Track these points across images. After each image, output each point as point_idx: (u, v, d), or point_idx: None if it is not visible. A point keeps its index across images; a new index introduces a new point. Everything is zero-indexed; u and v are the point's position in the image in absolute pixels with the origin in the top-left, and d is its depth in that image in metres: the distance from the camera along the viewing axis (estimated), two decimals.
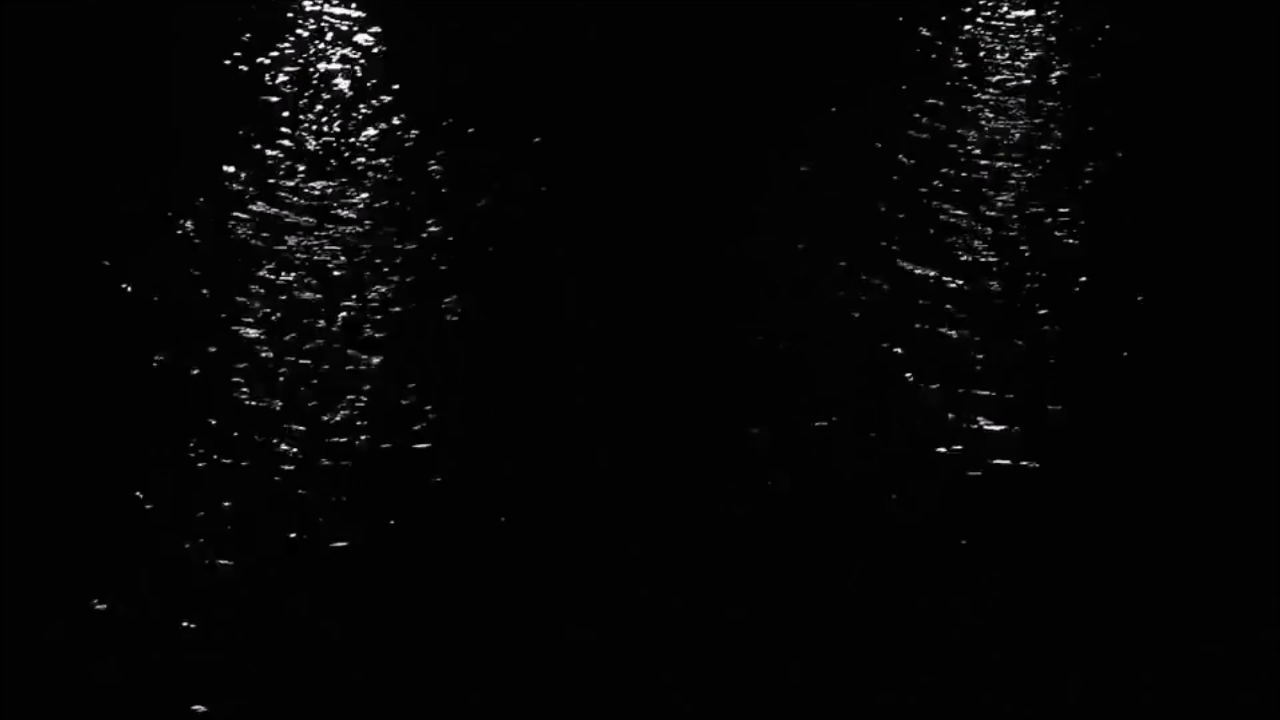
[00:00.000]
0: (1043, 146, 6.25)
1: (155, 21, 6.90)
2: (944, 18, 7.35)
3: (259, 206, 5.64)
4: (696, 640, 3.83)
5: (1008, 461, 4.47)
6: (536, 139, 6.26)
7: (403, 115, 6.46)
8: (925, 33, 7.27)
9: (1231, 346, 4.91)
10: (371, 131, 6.32)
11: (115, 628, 3.66)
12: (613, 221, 5.73)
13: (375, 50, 6.99)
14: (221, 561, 3.91)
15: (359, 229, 5.51)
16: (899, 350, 4.99)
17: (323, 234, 5.43)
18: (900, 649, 3.84)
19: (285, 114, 6.35)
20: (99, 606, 3.69)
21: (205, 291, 5.09)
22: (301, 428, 4.51)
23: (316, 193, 5.69)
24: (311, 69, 6.70)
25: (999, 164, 6.16)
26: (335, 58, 6.82)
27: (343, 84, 6.62)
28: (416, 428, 4.57)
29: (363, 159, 6.08)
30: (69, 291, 5.05)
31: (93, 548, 3.85)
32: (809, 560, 4.08)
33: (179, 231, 5.48)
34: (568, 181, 6.00)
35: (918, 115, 6.56)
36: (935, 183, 6.03)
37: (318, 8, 7.19)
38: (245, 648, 3.70)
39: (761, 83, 6.78)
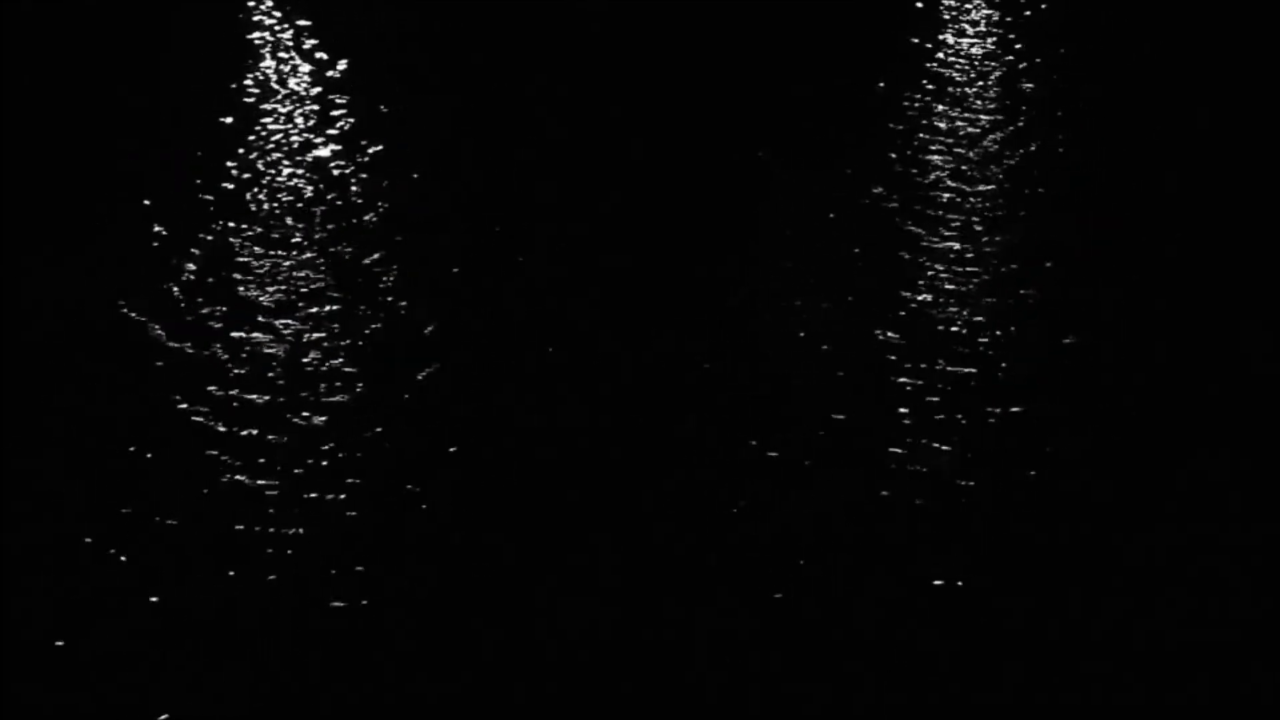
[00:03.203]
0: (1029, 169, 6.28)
1: (150, 28, 6.91)
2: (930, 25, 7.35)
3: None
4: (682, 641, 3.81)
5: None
6: (533, 141, 6.27)
7: (397, 123, 6.47)
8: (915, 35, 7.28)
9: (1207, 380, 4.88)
10: (369, 134, 6.32)
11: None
12: (603, 219, 5.73)
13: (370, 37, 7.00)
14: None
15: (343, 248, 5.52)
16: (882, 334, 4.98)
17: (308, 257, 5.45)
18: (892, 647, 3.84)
19: (275, 118, 6.36)
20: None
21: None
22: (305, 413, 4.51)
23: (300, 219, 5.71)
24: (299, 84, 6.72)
25: (982, 183, 6.18)
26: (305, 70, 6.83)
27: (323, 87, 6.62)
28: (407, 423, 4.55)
29: (351, 159, 6.08)
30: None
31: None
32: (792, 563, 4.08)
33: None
34: (564, 180, 6.00)
35: (917, 114, 6.57)
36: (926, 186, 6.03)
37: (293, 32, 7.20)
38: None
39: (759, 81, 6.78)
